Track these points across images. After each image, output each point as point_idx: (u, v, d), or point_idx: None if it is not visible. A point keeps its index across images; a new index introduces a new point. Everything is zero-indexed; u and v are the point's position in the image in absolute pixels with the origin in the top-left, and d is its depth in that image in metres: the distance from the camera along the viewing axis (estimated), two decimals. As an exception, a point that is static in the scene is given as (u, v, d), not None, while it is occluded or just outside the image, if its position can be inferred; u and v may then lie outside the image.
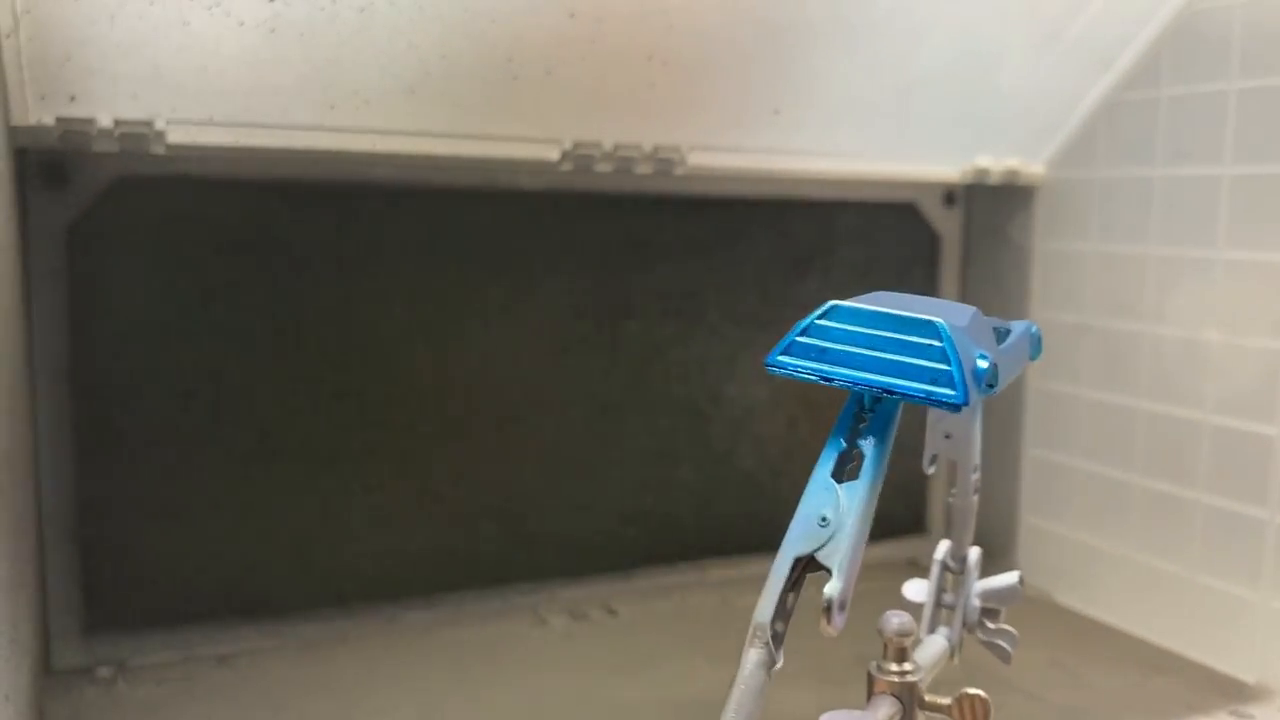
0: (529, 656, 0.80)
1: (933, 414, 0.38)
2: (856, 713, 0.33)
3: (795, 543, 0.29)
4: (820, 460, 0.29)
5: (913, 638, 0.33)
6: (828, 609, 0.28)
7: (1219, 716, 0.72)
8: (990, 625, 0.41)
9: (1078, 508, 0.93)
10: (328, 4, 0.65)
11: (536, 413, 0.90)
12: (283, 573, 0.83)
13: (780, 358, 0.30)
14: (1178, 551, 0.83)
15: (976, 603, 0.41)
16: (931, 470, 0.39)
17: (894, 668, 0.33)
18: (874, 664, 0.34)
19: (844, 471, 0.29)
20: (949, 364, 0.28)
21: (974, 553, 0.41)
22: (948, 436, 0.39)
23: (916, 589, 0.41)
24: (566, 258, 0.90)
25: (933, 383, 0.28)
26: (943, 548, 0.41)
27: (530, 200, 0.87)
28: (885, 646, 0.34)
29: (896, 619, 0.33)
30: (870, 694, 0.34)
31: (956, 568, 0.41)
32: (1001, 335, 0.35)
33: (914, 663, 0.34)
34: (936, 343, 0.28)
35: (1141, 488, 0.86)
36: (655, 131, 0.82)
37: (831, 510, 0.29)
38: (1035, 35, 0.85)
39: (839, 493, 0.29)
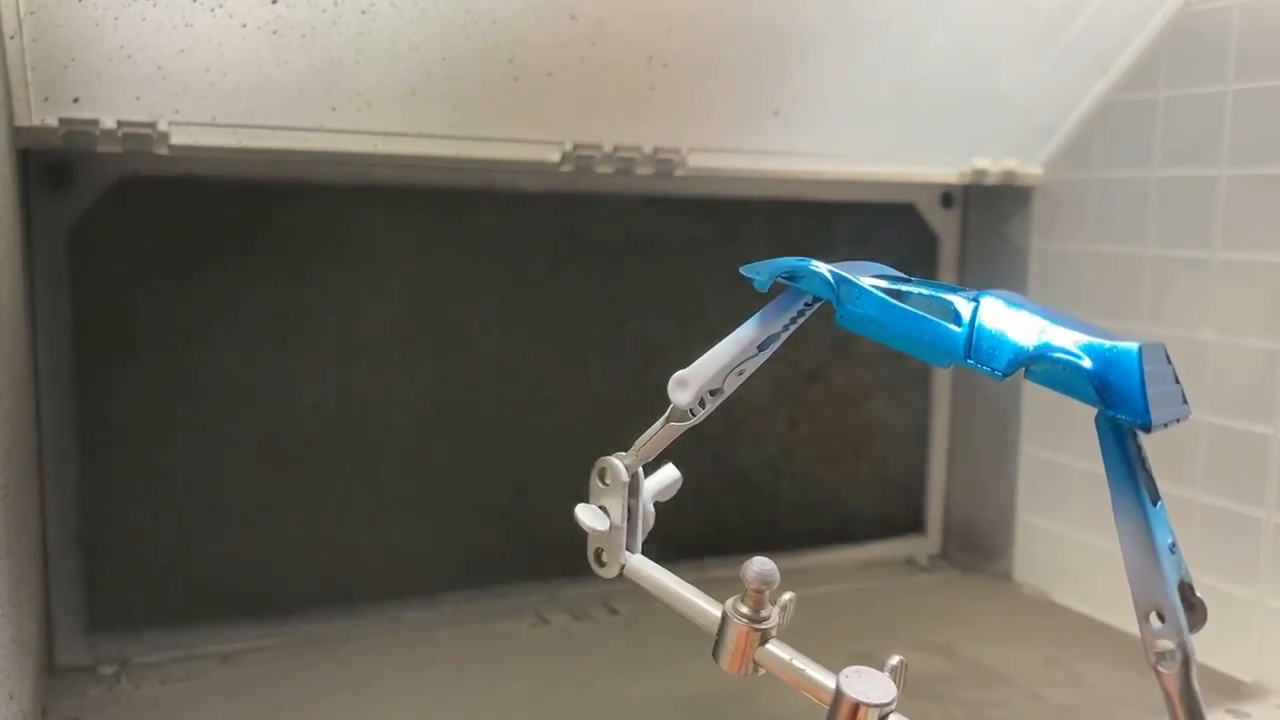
0: (530, 655, 0.80)
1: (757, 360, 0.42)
2: (877, 673, 0.34)
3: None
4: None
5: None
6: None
7: (1216, 715, 0.73)
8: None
9: (1075, 506, 0.93)
10: (330, 6, 0.65)
11: (536, 413, 0.91)
12: (285, 571, 0.83)
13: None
14: (1175, 550, 0.83)
15: (651, 507, 0.45)
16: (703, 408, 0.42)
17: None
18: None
19: None
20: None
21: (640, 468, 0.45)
22: (761, 348, 0.42)
23: (593, 513, 0.44)
24: (566, 258, 0.90)
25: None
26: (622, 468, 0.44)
27: (531, 201, 0.87)
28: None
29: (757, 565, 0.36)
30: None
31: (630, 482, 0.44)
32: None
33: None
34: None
35: (1139, 487, 0.86)
36: (655, 133, 0.82)
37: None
38: (1033, 37, 0.86)
39: None
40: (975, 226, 1.04)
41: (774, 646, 0.35)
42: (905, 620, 0.90)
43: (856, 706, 0.33)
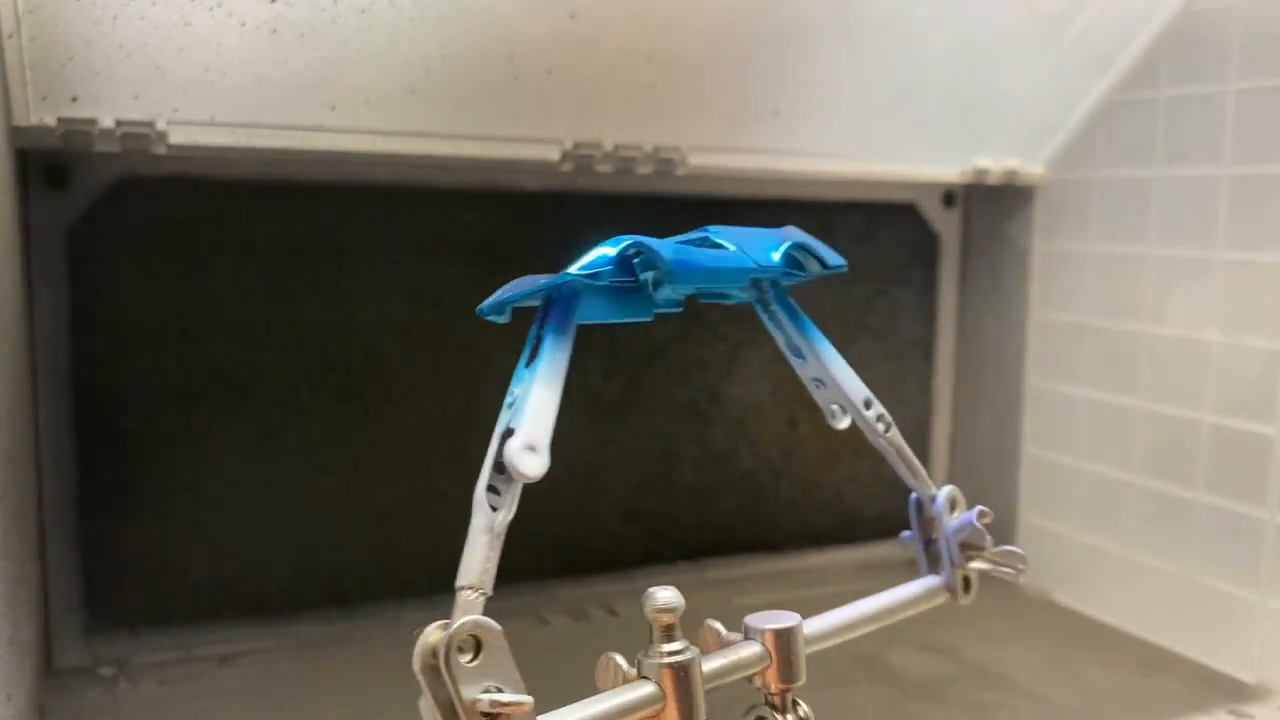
0: (530, 656, 0.80)
1: (800, 370, 0.41)
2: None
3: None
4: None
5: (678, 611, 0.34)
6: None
7: (1218, 716, 0.73)
8: (979, 557, 0.42)
9: (1077, 507, 0.93)
10: (329, 5, 0.65)
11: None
12: (284, 572, 0.83)
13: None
14: (1177, 551, 0.83)
15: (953, 540, 0.42)
16: (841, 423, 0.40)
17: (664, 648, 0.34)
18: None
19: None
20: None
21: (943, 493, 0.42)
22: (820, 384, 0.40)
23: (910, 536, 0.43)
24: (566, 258, 0.90)
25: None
26: (914, 496, 0.43)
27: (530, 200, 0.87)
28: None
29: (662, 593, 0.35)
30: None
31: (928, 511, 0.42)
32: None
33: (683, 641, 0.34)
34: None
35: (1140, 487, 0.86)
36: (656, 132, 0.82)
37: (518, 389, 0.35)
38: (1034, 36, 0.85)
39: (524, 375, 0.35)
40: (977, 226, 1.04)
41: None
42: (908, 622, 0.90)
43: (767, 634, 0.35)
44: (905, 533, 0.43)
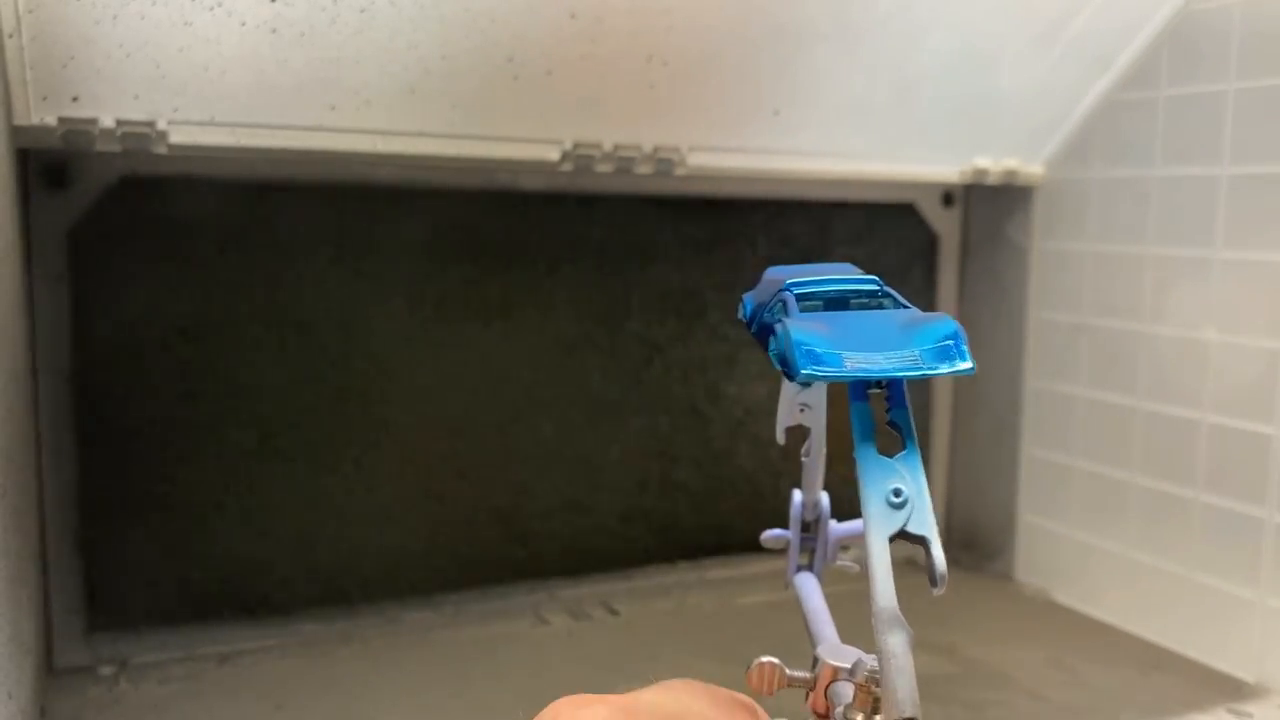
0: (530, 656, 0.80)
1: (789, 389, 0.41)
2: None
3: (881, 524, 0.29)
4: (858, 440, 0.30)
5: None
6: (940, 577, 0.29)
7: (1217, 714, 0.73)
8: (839, 560, 0.45)
9: (1076, 507, 0.93)
10: (329, 4, 0.65)
11: (536, 413, 0.90)
12: (284, 572, 0.83)
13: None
14: (1176, 550, 0.83)
15: (833, 541, 0.45)
16: (783, 439, 0.41)
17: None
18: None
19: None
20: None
21: (825, 498, 0.44)
22: (804, 408, 0.41)
23: (776, 535, 0.45)
24: (566, 258, 0.90)
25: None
26: (797, 497, 0.45)
27: (530, 200, 0.87)
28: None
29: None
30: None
31: (811, 515, 0.44)
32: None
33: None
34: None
35: (1140, 487, 0.86)
36: (655, 132, 0.82)
37: (901, 483, 0.29)
38: (1034, 35, 0.85)
39: (898, 466, 0.29)
40: (976, 226, 1.04)
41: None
42: (906, 621, 0.90)
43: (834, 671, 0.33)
44: (776, 531, 0.44)
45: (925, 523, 0.29)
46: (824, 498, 0.45)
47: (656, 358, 0.94)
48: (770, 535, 0.45)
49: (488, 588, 0.90)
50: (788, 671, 0.34)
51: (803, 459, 0.43)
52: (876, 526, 0.29)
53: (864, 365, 0.29)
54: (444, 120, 0.75)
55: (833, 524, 0.45)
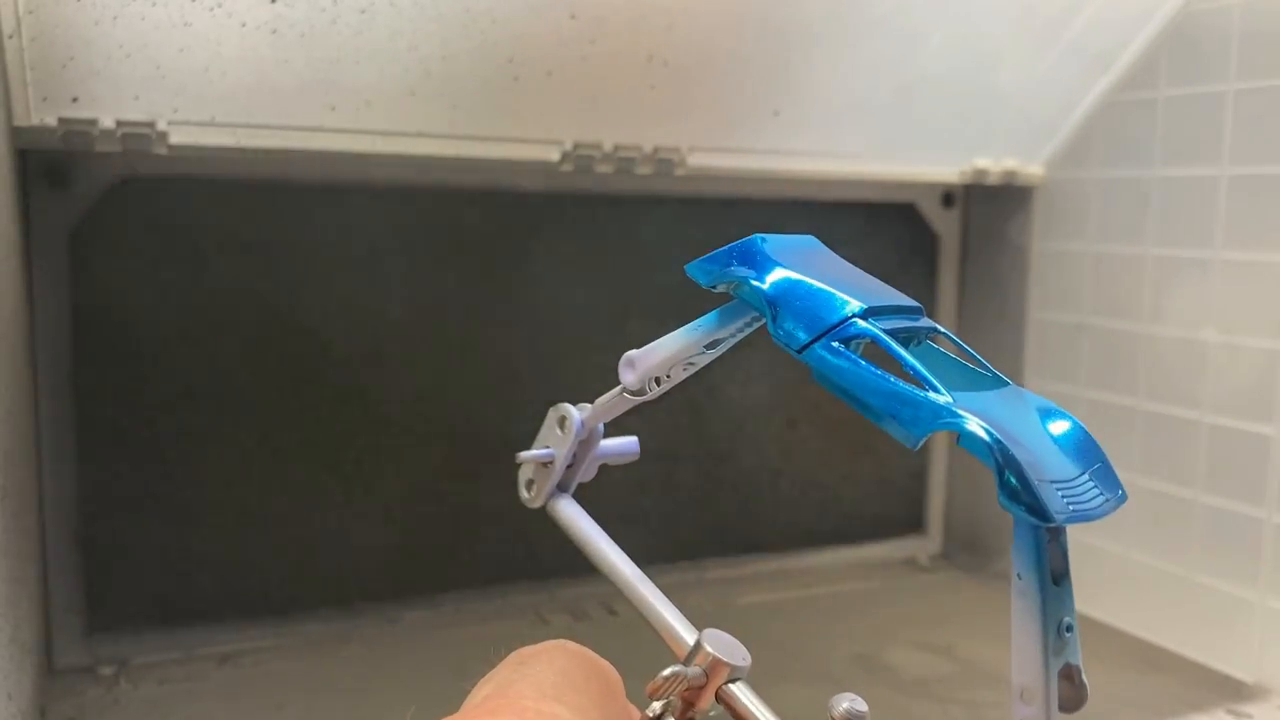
0: (529, 655, 0.80)
1: (692, 340, 0.40)
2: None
3: (1055, 656, 0.27)
4: (1038, 574, 0.28)
5: None
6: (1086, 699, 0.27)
7: (1217, 715, 0.73)
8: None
9: (1076, 507, 0.93)
10: (329, 5, 0.65)
11: (537, 412, 0.90)
12: (284, 572, 0.83)
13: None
14: (1175, 551, 0.83)
15: (596, 466, 0.45)
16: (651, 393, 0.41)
17: None
18: None
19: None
20: None
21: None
22: (690, 366, 0.40)
23: (540, 455, 0.44)
24: (566, 258, 0.90)
25: None
26: (577, 414, 0.44)
27: (530, 201, 0.87)
28: None
29: (846, 703, 0.30)
30: None
31: (584, 435, 0.43)
32: None
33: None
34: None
35: (1139, 487, 0.86)
36: (655, 132, 0.82)
37: (1071, 616, 0.28)
38: (1033, 36, 0.86)
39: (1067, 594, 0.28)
40: (976, 226, 1.04)
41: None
42: (906, 621, 0.90)
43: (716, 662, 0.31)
44: (545, 449, 0.44)
45: (1078, 650, 0.28)
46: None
47: (656, 358, 0.94)
48: (532, 454, 0.43)
49: (488, 587, 0.90)
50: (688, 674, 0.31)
51: (649, 389, 0.41)
52: (1052, 659, 0.27)
53: (1083, 507, 0.29)
54: (444, 121, 0.75)
55: (604, 441, 0.45)
